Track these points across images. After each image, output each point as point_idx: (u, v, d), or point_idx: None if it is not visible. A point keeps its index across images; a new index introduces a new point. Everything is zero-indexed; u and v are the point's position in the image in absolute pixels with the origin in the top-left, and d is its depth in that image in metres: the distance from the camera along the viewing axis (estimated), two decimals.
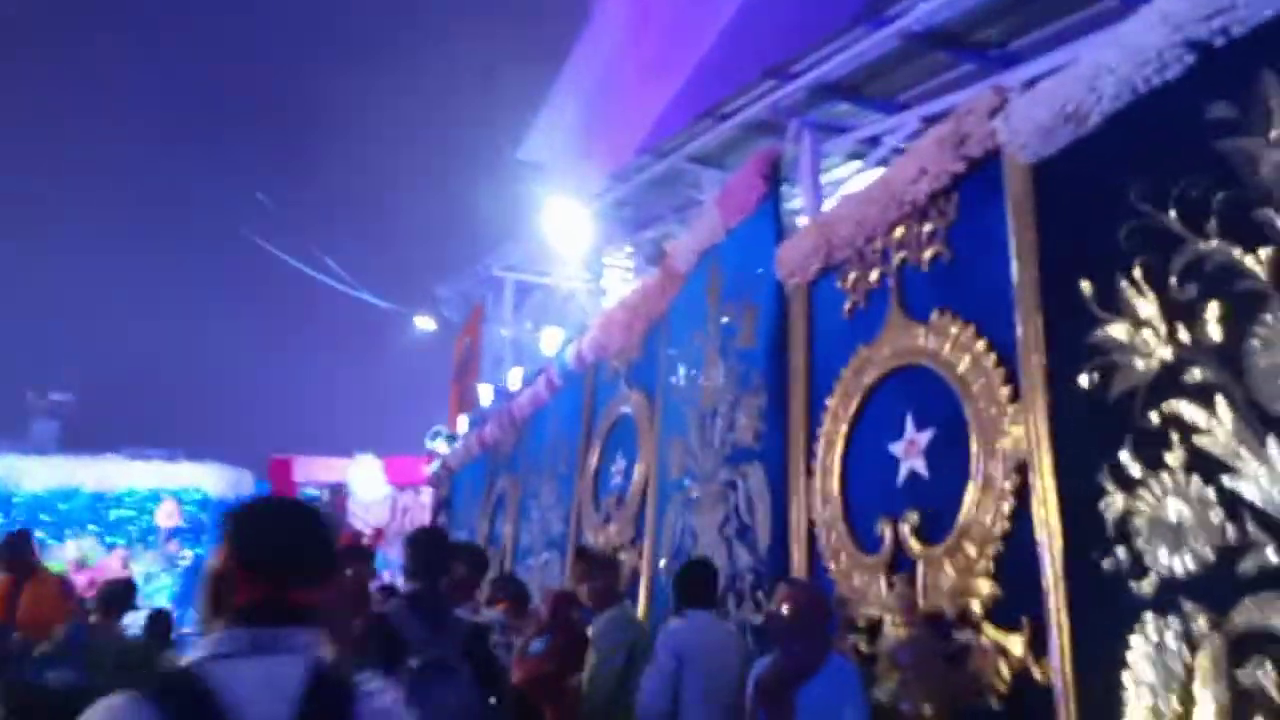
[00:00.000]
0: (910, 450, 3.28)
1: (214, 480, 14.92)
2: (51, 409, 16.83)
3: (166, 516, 14.32)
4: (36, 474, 13.90)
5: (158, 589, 13.71)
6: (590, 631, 3.45)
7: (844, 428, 3.66)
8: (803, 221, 4.35)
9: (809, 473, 3.82)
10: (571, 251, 7.98)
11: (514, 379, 9.39)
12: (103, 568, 13.82)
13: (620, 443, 6.16)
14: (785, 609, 2.97)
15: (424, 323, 15.09)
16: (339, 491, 15.91)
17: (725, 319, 4.88)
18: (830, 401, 3.78)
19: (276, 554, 1.46)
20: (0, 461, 14.01)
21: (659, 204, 7.10)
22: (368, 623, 3.26)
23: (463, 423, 11.04)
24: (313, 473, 16.45)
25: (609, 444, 6.36)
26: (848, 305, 3.85)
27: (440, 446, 11.87)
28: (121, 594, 5.16)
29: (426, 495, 13.35)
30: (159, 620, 6.46)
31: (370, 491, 15.63)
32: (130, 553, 14.00)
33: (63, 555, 13.66)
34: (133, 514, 14.31)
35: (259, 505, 1.58)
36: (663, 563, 5.02)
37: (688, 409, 5.15)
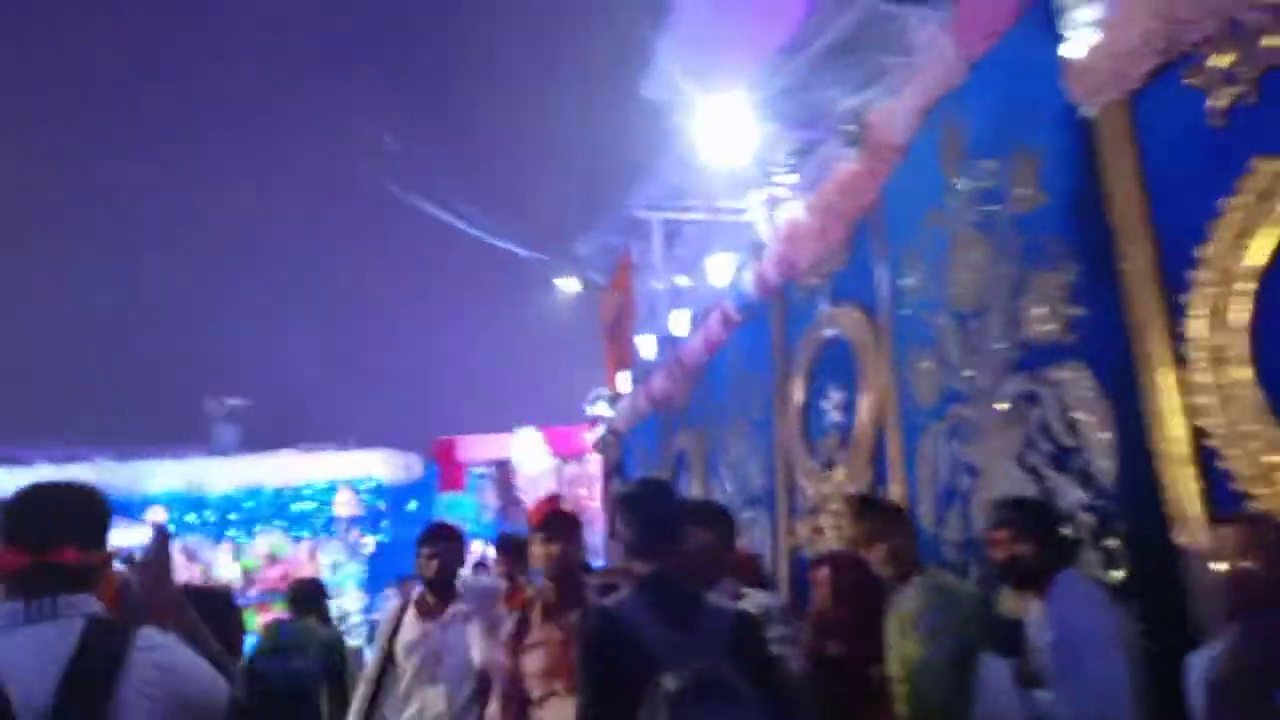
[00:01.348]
0: None
1: (384, 466, 14.93)
2: (230, 414, 17.44)
3: (344, 506, 14.45)
4: (222, 475, 14.32)
5: (345, 577, 13.89)
6: (899, 608, 2.39)
7: (1244, 285, 2.42)
8: (1080, 37, 3.08)
9: (1179, 361, 2.61)
10: (729, 162, 6.87)
11: (678, 323, 8.42)
12: (294, 560, 14.19)
13: (832, 372, 5.07)
14: (1249, 566, 1.85)
15: (567, 284, 14.39)
16: (504, 468, 15.63)
17: (980, 184, 3.67)
18: (1206, 251, 2.54)
19: (28, 523, 1.60)
20: (190, 466, 14.53)
21: (836, 83, 5.86)
22: (586, 621, 2.36)
23: (623, 380, 10.22)
24: (476, 451, 16.27)
25: (815, 375, 5.29)
26: (1216, 104, 2.57)
27: (602, 410, 11.14)
28: (309, 592, 5.39)
29: (593, 463, 12.71)
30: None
31: (535, 465, 15.23)
32: (316, 543, 14.28)
33: (255, 551, 14.08)
34: (314, 506, 14.53)
35: (23, 489, 1.65)
36: (923, 509, 3.93)
37: (933, 315, 3.99)
